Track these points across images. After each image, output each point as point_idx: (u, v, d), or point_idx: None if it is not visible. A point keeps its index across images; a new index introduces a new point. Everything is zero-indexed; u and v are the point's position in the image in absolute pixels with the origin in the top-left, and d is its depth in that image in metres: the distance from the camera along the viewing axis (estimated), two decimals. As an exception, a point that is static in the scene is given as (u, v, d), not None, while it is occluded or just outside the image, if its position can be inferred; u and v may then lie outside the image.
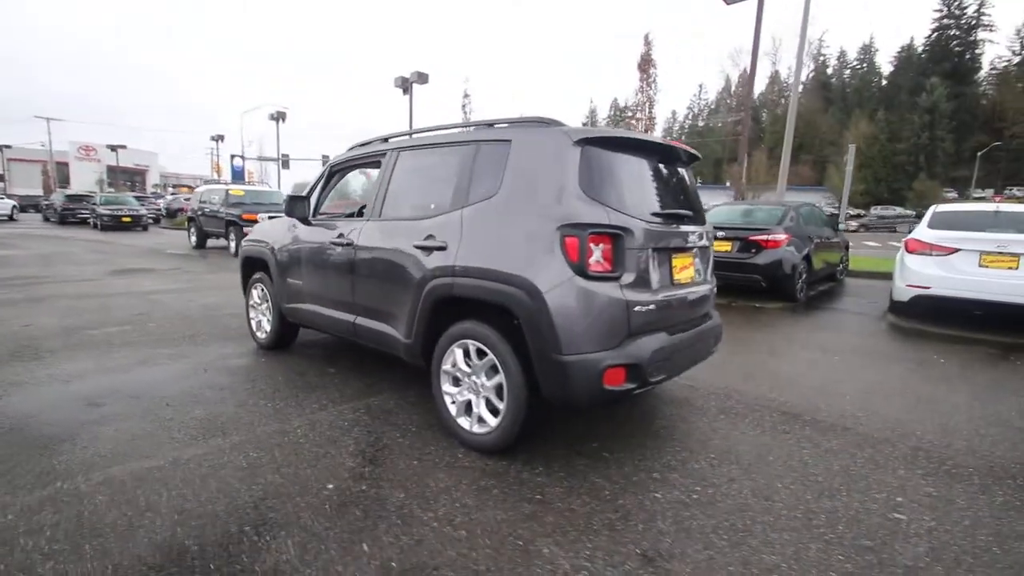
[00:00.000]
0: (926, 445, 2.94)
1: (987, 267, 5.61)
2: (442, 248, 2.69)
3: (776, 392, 3.72)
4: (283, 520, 2.03)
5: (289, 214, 3.75)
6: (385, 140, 3.51)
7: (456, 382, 2.78)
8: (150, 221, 21.68)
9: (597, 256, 2.29)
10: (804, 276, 7.48)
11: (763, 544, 2.00)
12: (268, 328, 4.34)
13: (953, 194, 52.95)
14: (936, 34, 65.33)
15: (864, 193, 49.79)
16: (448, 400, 2.78)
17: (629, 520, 2.12)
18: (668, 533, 2.05)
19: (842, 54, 72.09)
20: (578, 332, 2.26)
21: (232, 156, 26.90)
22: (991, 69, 63.51)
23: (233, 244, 12.44)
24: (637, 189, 2.52)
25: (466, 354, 2.67)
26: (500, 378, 2.50)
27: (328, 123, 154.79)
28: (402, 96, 22.42)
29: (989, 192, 53.00)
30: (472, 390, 2.67)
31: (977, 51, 63.70)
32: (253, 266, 4.51)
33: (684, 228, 2.78)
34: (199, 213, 13.94)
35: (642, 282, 2.45)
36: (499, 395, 2.54)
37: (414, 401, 3.34)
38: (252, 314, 4.55)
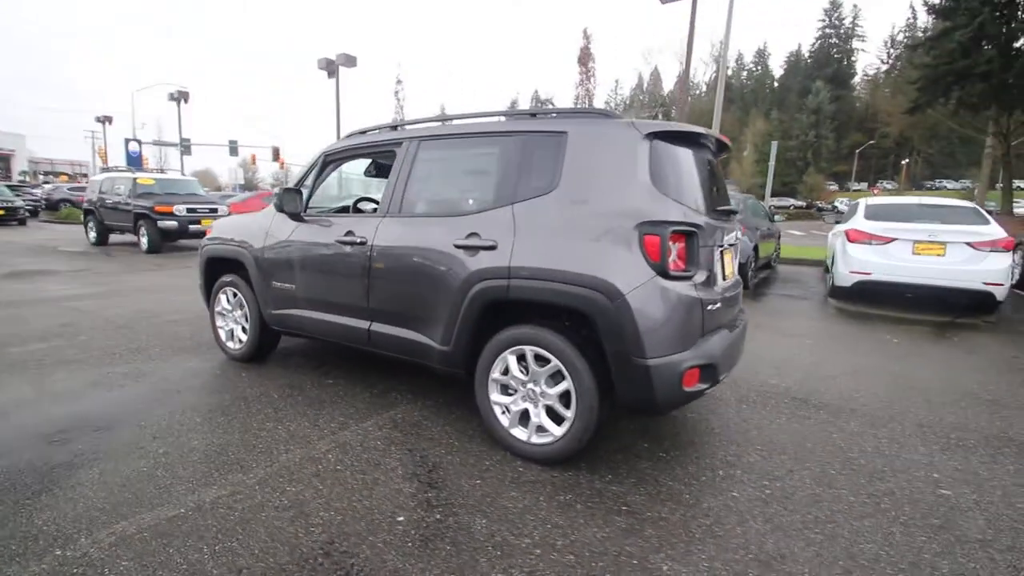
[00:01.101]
0: (925, 421, 3.18)
1: (919, 254, 6.26)
2: (491, 248, 2.48)
3: (776, 378, 3.88)
4: (368, 566, 1.76)
5: (280, 209, 3.31)
6: (394, 128, 3.19)
7: (505, 390, 2.59)
8: (27, 214, 18.75)
9: (675, 255, 2.21)
10: (753, 265, 7.96)
11: (855, 534, 2.04)
12: (244, 338, 3.85)
13: (835, 187, 59.44)
14: (819, 42, 72.62)
15: (761, 186, 54.48)
16: (498, 410, 2.59)
17: (724, 523, 2.08)
18: (766, 533, 2.03)
19: (740, 57, 77.95)
20: (661, 334, 2.17)
21: (127, 140, 23.88)
22: (864, 75, 71.76)
23: (145, 239, 11.07)
24: (696, 184, 2.46)
25: (520, 360, 2.50)
26: (566, 385, 2.35)
27: (238, 107, 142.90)
28: (327, 80, 21.12)
29: (863, 185, 60.09)
30: (528, 399, 2.50)
31: (852, 58, 71.75)
32: (221, 268, 3.98)
33: (727, 223, 2.78)
34: (99, 205, 12.24)
35: (709, 280, 2.40)
36: (564, 403, 2.39)
37: (438, 410, 3.10)
38: (220, 322, 4.02)
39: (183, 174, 19.49)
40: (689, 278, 2.27)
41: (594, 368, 2.30)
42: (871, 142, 57.56)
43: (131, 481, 2.25)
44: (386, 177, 4.13)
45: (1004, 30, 21.37)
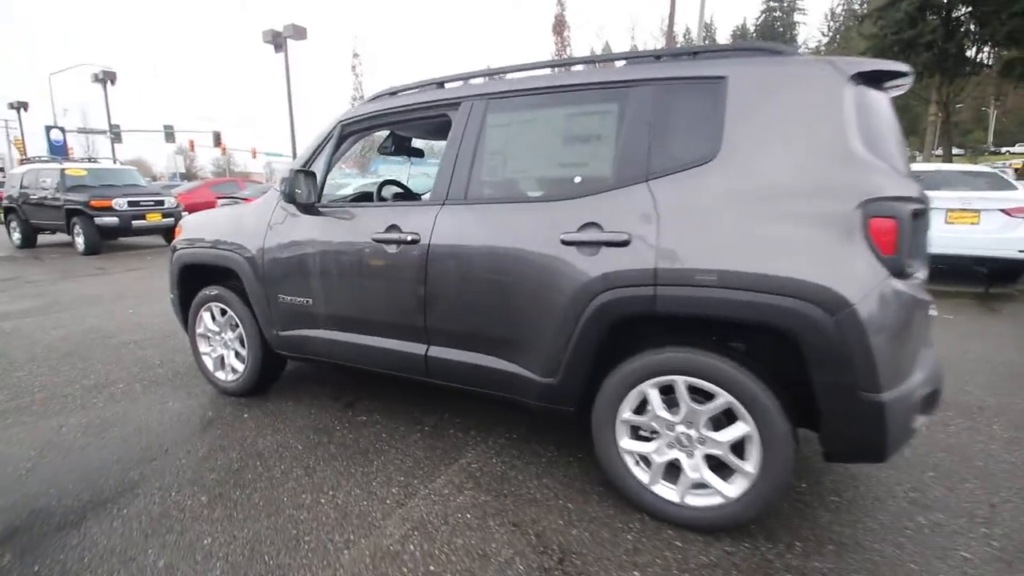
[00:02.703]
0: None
1: (953, 223, 5.95)
2: (621, 243, 1.78)
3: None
4: None
5: (291, 199, 2.48)
6: (441, 85, 2.41)
7: (636, 432, 1.93)
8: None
9: (907, 245, 1.58)
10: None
11: None
12: (240, 366, 3.01)
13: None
14: (764, 15, 73.99)
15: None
16: (630, 460, 1.93)
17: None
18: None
19: (687, 32, 78.48)
20: (897, 357, 1.56)
21: (48, 128, 21.24)
22: (805, 47, 73.63)
23: (81, 239, 9.66)
24: (900, 145, 1.83)
25: (665, 392, 1.84)
26: (744, 429, 1.71)
27: (172, 89, 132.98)
28: (274, 54, 19.41)
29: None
30: (679, 446, 1.85)
31: (795, 32, 73.46)
32: (201, 279, 3.10)
33: None
34: (21, 202, 10.62)
35: (922, 276, 1.80)
36: (738, 452, 1.75)
37: (519, 452, 2.41)
38: (205, 347, 3.15)
39: (116, 163, 17.52)
40: (913, 274, 1.66)
41: (785, 404, 1.67)
42: (819, 113, 59.14)
43: (124, 626, 1.47)
44: (409, 155, 3.37)
45: (946, 0, 22.03)
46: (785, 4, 75.43)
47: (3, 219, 11.46)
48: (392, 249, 2.28)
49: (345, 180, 12.65)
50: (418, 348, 2.31)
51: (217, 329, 3.07)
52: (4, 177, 16.29)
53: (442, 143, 3.51)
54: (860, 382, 1.53)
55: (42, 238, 11.29)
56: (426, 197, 3.47)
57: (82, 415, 2.85)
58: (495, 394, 2.20)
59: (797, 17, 73.62)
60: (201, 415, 2.84)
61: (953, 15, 21.77)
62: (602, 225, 1.83)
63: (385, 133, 3.17)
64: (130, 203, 9.90)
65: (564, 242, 1.88)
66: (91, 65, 25.88)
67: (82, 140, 32.17)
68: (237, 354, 3.03)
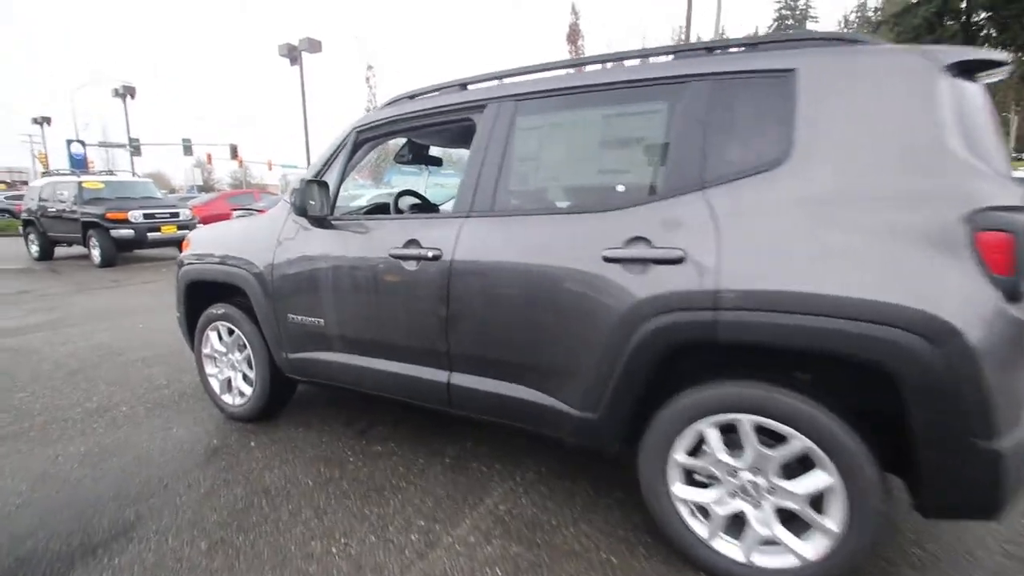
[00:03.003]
0: None
1: None
2: (674, 260, 1.55)
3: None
4: None
5: (302, 211, 2.29)
6: (463, 87, 2.21)
7: (692, 477, 1.69)
8: (-44, 228, 16.75)
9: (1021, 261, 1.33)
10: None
11: None
12: (248, 390, 2.82)
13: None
14: (776, 23, 73.62)
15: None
16: (684, 510, 1.69)
17: None
18: None
19: (699, 39, 78.45)
20: (1013, 396, 1.31)
21: (69, 141, 21.64)
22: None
23: (97, 252, 9.65)
24: (1000, 144, 1.58)
25: (724, 432, 1.60)
26: (824, 480, 1.46)
27: (190, 104, 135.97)
28: (289, 68, 19.59)
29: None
30: (742, 495, 1.60)
31: (810, 38, 73.05)
32: (208, 295, 2.92)
33: None
34: (40, 214, 10.68)
35: None
36: (816, 505, 1.50)
37: (549, 490, 2.17)
38: (211, 368, 2.97)
39: (134, 175, 17.74)
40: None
41: (874, 448, 1.42)
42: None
43: None
44: (426, 164, 3.19)
45: (964, 5, 21.64)
46: (797, 12, 75.09)
47: (22, 231, 11.52)
48: (411, 266, 2.07)
49: (358, 191, 12.59)
50: (439, 375, 2.10)
51: (224, 350, 2.89)
52: (26, 190, 16.54)
53: (462, 151, 3.34)
54: (971, 426, 1.28)
55: (59, 250, 11.35)
56: (445, 208, 3.30)
57: (81, 442, 2.68)
58: (527, 428, 1.97)
59: (810, 25, 73.18)
60: (206, 443, 2.64)
61: (972, 20, 21.42)
62: (651, 239, 1.60)
63: (401, 141, 2.99)
64: (145, 215, 9.89)
65: (607, 259, 1.66)
66: (112, 80, 26.42)
67: (103, 154, 32.78)
68: (245, 376, 2.84)
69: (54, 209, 10.37)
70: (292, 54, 19.18)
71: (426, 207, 3.05)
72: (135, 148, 28.62)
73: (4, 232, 18.08)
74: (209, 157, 35.45)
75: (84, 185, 10.17)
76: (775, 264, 1.44)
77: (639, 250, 1.61)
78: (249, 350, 2.75)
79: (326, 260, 2.33)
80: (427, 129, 2.36)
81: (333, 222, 2.37)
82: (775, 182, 1.49)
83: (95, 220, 9.59)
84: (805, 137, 1.48)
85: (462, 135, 2.54)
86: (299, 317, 2.46)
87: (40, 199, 10.73)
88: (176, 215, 10.34)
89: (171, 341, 4.50)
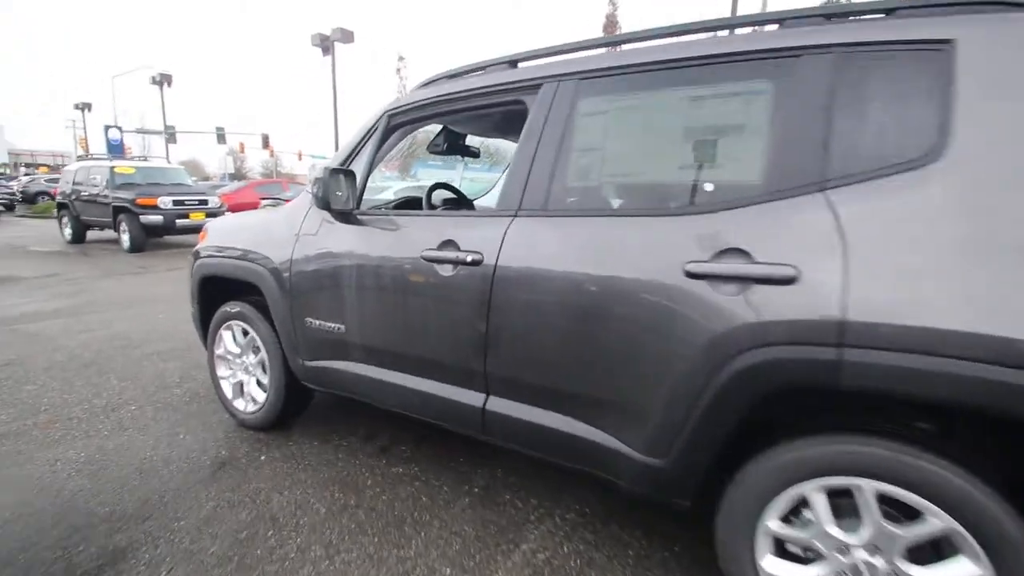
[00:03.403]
0: None
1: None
2: (783, 279, 1.22)
3: None
4: None
5: (325, 204, 2.02)
6: (513, 64, 1.90)
7: (781, 547, 1.36)
8: (1, 209, 17.22)
9: None
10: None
11: None
12: (261, 397, 2.58)
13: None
14: None
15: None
16: (779, 589, 1.36)
17: None
18: None
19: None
20: None
21: (107, 127, 22.11)
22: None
23: (126, 237, 9.68)
24: None
25: (834, 497, 1.27)
26: (974, 572, 1.12)
27: (226, 93, 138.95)
28: (322, 58, 19.57)
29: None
30: (854, 578, 1.27)
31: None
32: (222, 292, 2.70)
33: None
34: (73, 198, 10.79)
35: None
36: (960, 603, 1.16)
37: (595, 539, 1.86)
38: (224, 370, 2.74)
39: (168, 162, 17.94)
40: None
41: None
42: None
43: None
44: (462, 155, 2.90)
45: None
46: None
47: (56, 214, 11.69)
48: (446, 271, 1.78)
49: (384, 183, 12.41)
50: (474, 398, 1.81)
51: (238, 351, 2.66)
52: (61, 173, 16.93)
53: (501, 142, 3.04)
54: None
55: (92, 234, 11.47)
56: (481, 204, 3.00)
57: (83, 446, 2.48)
58: (577, 468, 1.67)
59: None
60: (213, 455, 2.41)
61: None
62: (750, 252, 1.28)
63: (433, 130, 2.71)
64: (175, 202, 9.87)
65: (690, 274, 1.34)
66: (150, 69, 26.92)
67: (140, 140, 33.53)
68: (259, 382, 2.60)
69: (87, 193, 10.45)
70: (324, 44, 19.12)
71: (462, 203, 2.77)
72: (171, 135, 29.15)
73: (45, 214, 18.52)
74: (242, 146, 35.99)
75: (116, 170, 10.22)
76: (927, 290, 1.10)
77: (734, 265, 1.29)
78: (264, 353, 2.51)
79: (349, 259, 2.06)
80: (468, 113, 2.06)
81: (359, 217, 2.10)
82: (926, 183, 1.15)
83: (125, 205, 9.62)
84: (968, 127, 1.13)
85: (509, 122, 2.24)
86: (317, 321, 2.20)
87: (74, 183, 10.84)
88: (205, 202, 10.31)
89: (189, 334, 4.30)
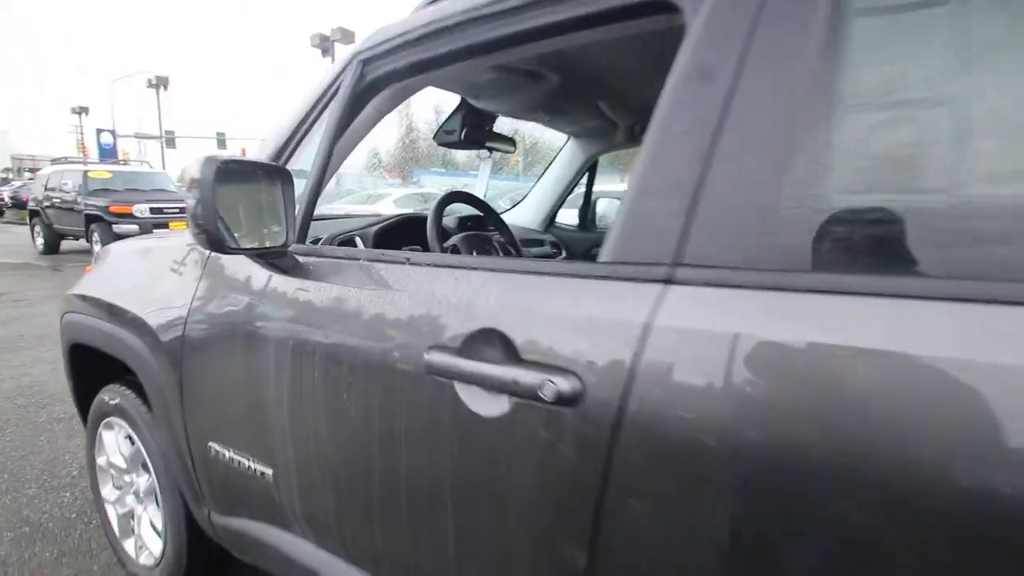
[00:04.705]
0: None
1: None
2: None
3: None
4: None
5: (212, 242, 0.95)
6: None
7: None
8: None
9: None
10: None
11: None
12: (157, 546, 1.54)
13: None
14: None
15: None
16: None
17: None
18: None
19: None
20: None
21: (99, 131, 21.19)
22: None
23: (98, 247, 8.71)
24: None
25: None
26: None
27: (225, 98, 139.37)
28: (321, 59, 18.75)
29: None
30: None
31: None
32: (99, 368, 1.66)
33: None
34: (45, 205, 9.85)
35: None
36: None
37: None
38: (107, 491, 1.70)
39: (163, 168, 17.07)
40: None
41: None
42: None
43: None
44: (488, 148, 1.85)
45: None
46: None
47: (28, 222, 10.77)
48: (483, 403, 0.73)
49: (386, 190, 11.46)
50: None
51: (125, 467, 1.62)
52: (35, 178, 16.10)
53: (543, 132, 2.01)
54: None
55: (69, 244, 10.51)
56: (514, 221, 1.94)
57: None
58: None
59: None
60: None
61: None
62: None
63: (445, 107, 1.67)
64: (152, 210, 8.91)
65: None
66: (149, 73, 26.17)
67: (137, 145, 32.80)
68: (152, 523, 1.56)
69: (59, 200, 9.52)
70: (324, 44, 18.28)
71: (495, 229, 1.67)
72: (169, 140, 28.36)
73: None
74: (243, 151, 35.28)
75: (89, 175, 9.30)
76: None
77: None
78: (153, 478, 1.47)
79: (278, 346, 1.02)
80: (516, 51, 1.00)
81: (300, 260, 1.06)
82: None
83: (98, 213, 8.67)
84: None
85: (601, 79, 1.19)
86: (227, 452, 1.16)
87: (46, 188, 9.91)
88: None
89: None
